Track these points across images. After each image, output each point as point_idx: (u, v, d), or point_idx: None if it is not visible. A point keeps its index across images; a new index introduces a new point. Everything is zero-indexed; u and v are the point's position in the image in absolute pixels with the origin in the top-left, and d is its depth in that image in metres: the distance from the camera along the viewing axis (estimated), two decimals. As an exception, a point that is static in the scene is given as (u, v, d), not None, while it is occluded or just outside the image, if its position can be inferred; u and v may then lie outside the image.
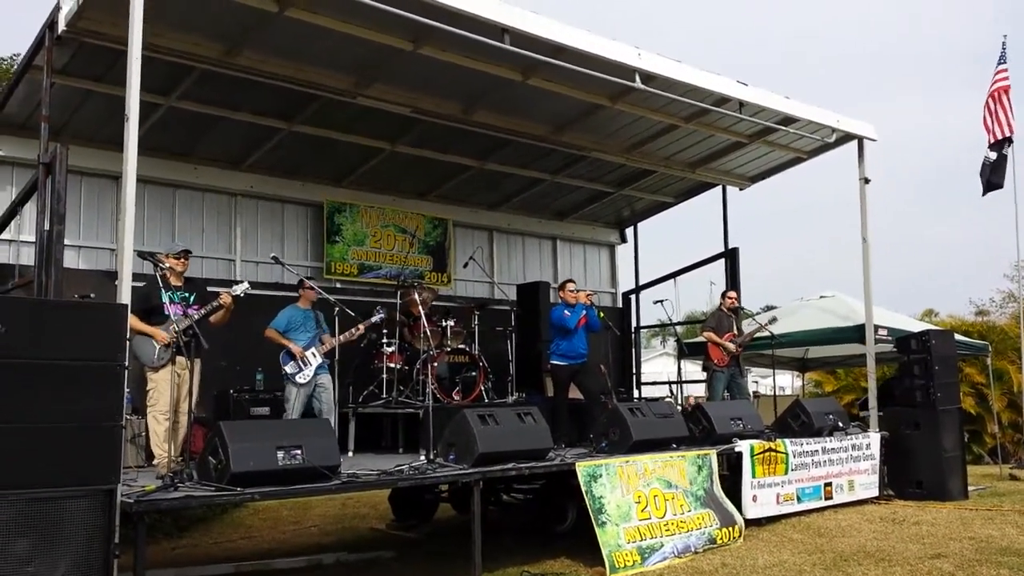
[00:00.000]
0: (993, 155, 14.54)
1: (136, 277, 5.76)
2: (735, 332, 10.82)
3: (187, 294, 7.07)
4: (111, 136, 9.07)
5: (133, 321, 6.32)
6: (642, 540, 7.07)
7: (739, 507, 8.30)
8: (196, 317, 6.86)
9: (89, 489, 4.52)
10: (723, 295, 11.40)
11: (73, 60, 7.91)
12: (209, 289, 7.36)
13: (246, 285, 7.30)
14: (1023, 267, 18.89)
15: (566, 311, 9.45)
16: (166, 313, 6.81)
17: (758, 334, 10.92)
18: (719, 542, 7.59)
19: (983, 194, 14.75)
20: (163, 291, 6.80)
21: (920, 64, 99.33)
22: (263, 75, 8.35)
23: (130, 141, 5.61)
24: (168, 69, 8.20)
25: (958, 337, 12.74)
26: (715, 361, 10.75)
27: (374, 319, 8.88)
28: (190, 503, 5.55)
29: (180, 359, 6.83)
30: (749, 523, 8.26)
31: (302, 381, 8.24)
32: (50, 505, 4.36)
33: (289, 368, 8.27)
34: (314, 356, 8.31)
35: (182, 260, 7.18)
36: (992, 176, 14.73)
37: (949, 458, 10.17)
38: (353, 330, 8.66)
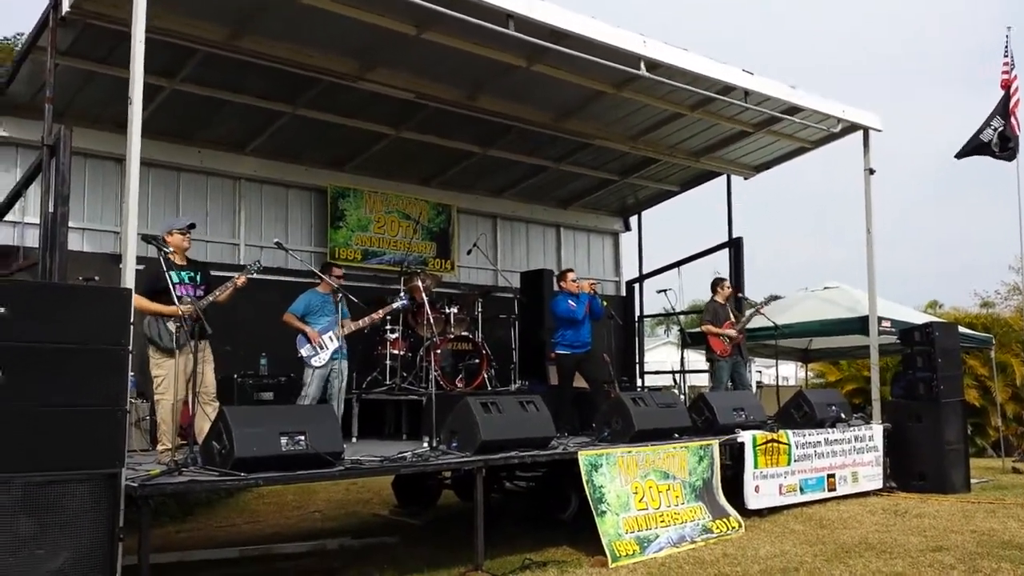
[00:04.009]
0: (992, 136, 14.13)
1: (140, 260, 5.73)
2: (732, 320, 10.79)
3: (192, 273, 6.90)
4: (115, 118, 9.02)
5: (146, 303, 6.27)
6: (640, 530, 7.08)
7: (741, 498, 8.30)
8: (210, 299, 6.75)
9: (93, 473, 4.51)
10: (714, 286, 11.14)
11: (77, 41, 7.86)
12: (214, 274, 7.26)
13: (259, 264, 7.32)
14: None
15: (571, 301, 9.39)
16: (177, 295, 6.60)
17: (757, 317, 10.90)
18: (716, 532, 7.58)
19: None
20: (168, 272, 6.60)
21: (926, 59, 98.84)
22: (266, 58, 8.31)
23: (134, 124, 5.59)
24: (172, 51, 8.15)
25: (962, 329, 12.70)
26: (717, 352, 10.73)
27: (396, 305, 8.73)
28: (194, 488, 5.56)
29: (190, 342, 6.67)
30: (751, 513, 8.25)
31: (317, 364, 8.16)
32: (54, 489, 4.35)
33: (304, 351, 8.19)
34: (331, 340, 8.21)
35: (187, 235, 7.01)
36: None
37: (952, 451, 10.17)
38: (374, 315, 8.59)
